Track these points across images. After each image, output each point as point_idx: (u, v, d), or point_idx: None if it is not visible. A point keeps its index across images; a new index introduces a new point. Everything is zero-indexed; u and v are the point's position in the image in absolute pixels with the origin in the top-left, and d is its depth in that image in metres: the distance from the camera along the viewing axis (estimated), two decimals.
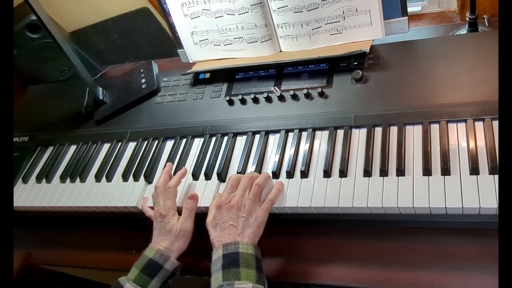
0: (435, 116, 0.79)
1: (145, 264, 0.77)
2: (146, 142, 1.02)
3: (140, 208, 0.90)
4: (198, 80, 1.08)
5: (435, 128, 0.79)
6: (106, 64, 1.40)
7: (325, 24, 0.95)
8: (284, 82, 0.98)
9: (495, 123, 0.74)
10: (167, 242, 0.80)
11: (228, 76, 1.05)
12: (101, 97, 1.14)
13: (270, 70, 1.01)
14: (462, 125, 0.77)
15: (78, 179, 1.02)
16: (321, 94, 0.91)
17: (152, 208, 0.88)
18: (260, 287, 0.68)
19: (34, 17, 1.24)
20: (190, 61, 1.11)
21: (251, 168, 0.87)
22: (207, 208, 0.85)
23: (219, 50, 1.07)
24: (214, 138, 0.96)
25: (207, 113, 1.01)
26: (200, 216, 0.87)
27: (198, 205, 0.85)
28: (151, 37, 1.62)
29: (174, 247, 0.80)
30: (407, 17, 0.92)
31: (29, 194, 1.04)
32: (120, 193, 0.95)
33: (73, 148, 1.11)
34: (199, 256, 0.88)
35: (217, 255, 0.71)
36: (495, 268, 0.67)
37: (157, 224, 0.83)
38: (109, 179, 0.99)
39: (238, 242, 0.71)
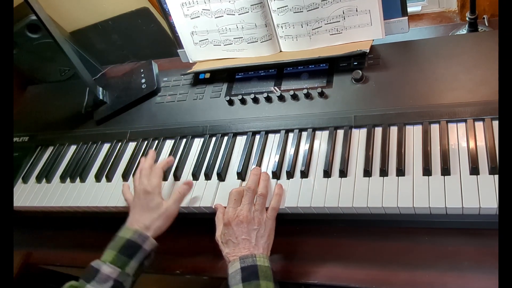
0: (435, 116, 0.79)
1: (123, 244, 0.76)
2: (146, 142, 1.02)
3: None
4: (198, 80, 1.08)
5: (435, 128, 0.79)
6: (106, 64, 1.40)
7: (325, 24, 0.95)
8: (284, 82, 0.98)
9: (495, 123, 0.74)
10: (147, 220, 0.79)
11: (228, 76, 1.05)
12: (101, 97, 1.14)
13: (270, 70, 1.01)
14: (462, 125, 0.77)
15: (78, 179, 1.02)
16: (321, 94, 0.91)
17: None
18: None
19: (34, 17, 1.24)
20: (190, 61, 1.11)
21: (251, 168, 0.87)
22: (207, 208, 0.85)
23: (219, 50, 1.07)
24: (214, 138, 0.96)
25: (207, 113, 1.01)
26: (201, 216, 0.87)
27: (198, 205, 0.85)
28: (151, 37, 1.62)
29: (154, 226, 0.79)
30: (407, 17, 0.92)
31: (29, 194, 1.04)
32: (120, 193, 0.94)
33: (73, 148, 1.11)
34: (199, 256, 0.88)
35: (234, 268, 0.71)
36: (495, 268, 0.67)
37: (139, 202, 0.82)
38: (109, 179, 0.99)
39: (255, 255, 0.72)
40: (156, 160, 0.97)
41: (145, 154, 0.99)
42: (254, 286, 0.68)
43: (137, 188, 0.85)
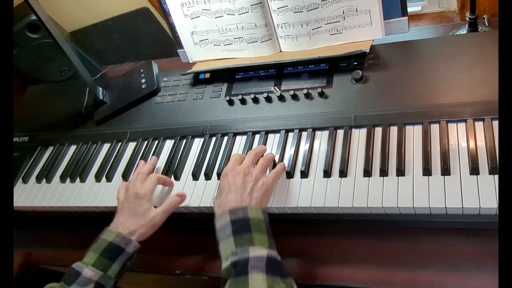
0: (435, 116, 0.79)
1: (105, 247, 0.74)
2: (146, 142, 1.02)
3: None
4: (198, 80, 1.08)
5: (435, 128, 0.79)
6: (106, 64, 1.40)
7: (325, 24, 0.95)
8: (284, 82, 0.98)
9: (495, 123, 0.74)
10: (132, 225, 0.78)
11: (228, 76, 1.05)
12: (101, 97, 1.14)
13: (270, 70, 1.01)
14: (462, 125, 0.77)
15: (78, 179, 1.02)
16: (321, 94, 0.91)
17: None
18: (274, 253, 0.66)
19: (34, 17, 1.24)
20: (190, 61, 1.11)
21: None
22: (207, 208, 0.85)
23: (219, 50, 1.07)
24: (214, 138, 0.96)
25: (207, 113, 1.01)
26: (200, 216, 0.87)
27: (198, 205, 0.85)
28: (151, 37, 1.62)
29: (137, 232, 0.78)
30: (407, 17, 0.92)
31: (29, 194, 1.04)
32: None
33: (73, 148, 1.11)
34: (199, 256, 0.88)
35: (222, 221, 0.68)
36: (495, 268, 0.67)
37: (128, 205, 0.81)
38: (109, 179, 0.99)
39: (247, 207, 0.69)
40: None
41: (144, 154, 0.99)
42: (246, 239, 0.65)
43: (129, 191, 0.83)
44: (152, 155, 0.98)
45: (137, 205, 0.80)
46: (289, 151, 0.86)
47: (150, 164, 0.91)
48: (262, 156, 0.82)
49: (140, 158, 0.99)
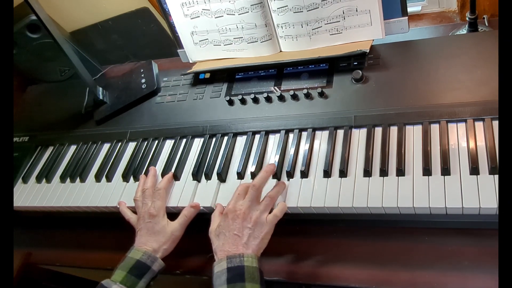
0: (435, 116, 0.79)
1: (133, 265, 0.77)
2: (146, 142, 1.02)
3: None
4: (198, 80, 1.08)
5: (435, 128, 0.79)
6: (106, 64, 1.40)
7: (325, 24, 0.95)
8: (284, 82, 0.98)
9: (495, 123, 0.74)
10: (154, 244, 0.80)
11: (228, 76, 1.05)
12: (101, 97, 1.14)
13: (270, 70, 1.01)
14: (462, 125, 0.77)
15: (78, 179, 1.02)
16: (321, 94, 0.91)
17: (134, 211, 0.88)
18: None
19: (34, 17, 1.24)
20: (190, 61, 1.11)
21: (251, 168, 0.87)
22: (207, 208, 0.85)
23: (219, 50, 1.07)
24: (214, 138, 0.96)
25: (207, 113, 1.01)
26: (200, 216, 0.87)
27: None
28: (151, 37, 1.62)
29: (161, 249, 0.80)
30: (407, 17, 0.92)
31: (29, 194, 1.04)
32: (120, 193, 0.95)
33: (73, 148, 1.11)
34: (199, 256, 0.88)
35: (220, 267, 0.70)
36: (495, 268, 0.67)
37: (145, 225, 0.82)
38: (109, 179, 0.99)
39: (243, 254, 0.70)
40: (154, 163, 0.97)
41: (144, 154, 0.99)
42: None
43: (141, 210, 0.85)
44: (152, 155, 0.98)
45: (154, 224, 0.82)
46: (289, 151, 0.86)
47: (152, 177, 0.91)
48: (267, 179, 0.80)
49: (140, 158, 0.99)
